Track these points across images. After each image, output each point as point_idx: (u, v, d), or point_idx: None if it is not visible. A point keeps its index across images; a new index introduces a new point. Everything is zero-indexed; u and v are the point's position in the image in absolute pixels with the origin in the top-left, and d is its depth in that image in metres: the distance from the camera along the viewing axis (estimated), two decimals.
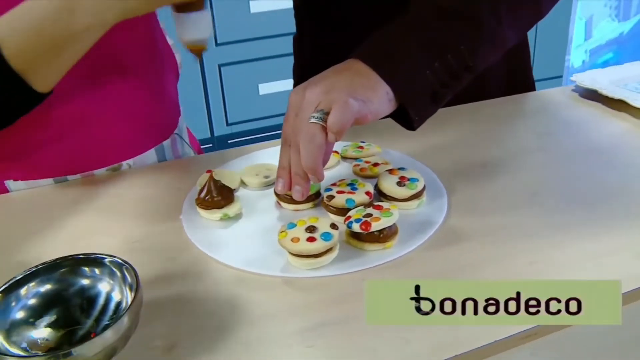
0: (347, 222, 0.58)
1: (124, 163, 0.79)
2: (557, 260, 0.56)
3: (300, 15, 1.00)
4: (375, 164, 0.72)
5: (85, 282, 0.49)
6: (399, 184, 0.64)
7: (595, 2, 2.64)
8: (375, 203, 0.61)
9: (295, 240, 0.55)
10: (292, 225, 0.57)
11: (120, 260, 0.49)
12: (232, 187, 0.68)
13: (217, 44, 2.07)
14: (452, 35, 0.60)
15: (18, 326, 0.46)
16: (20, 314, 0.46)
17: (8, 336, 0.44)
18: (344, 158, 0.77)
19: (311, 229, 0.56)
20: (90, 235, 0.64)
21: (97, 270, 0.50)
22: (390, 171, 0.67)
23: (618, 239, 0.59)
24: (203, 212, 0.65)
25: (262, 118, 2.21)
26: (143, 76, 0.77)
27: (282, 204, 0.66)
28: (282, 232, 0.57)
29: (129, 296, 0.47)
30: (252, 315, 0.51)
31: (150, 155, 0.82)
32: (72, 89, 0.71)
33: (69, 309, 0.48)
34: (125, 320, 0.43)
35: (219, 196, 0.64)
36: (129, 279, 0.48)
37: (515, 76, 0.98)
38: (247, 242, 0.61)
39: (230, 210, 0.64)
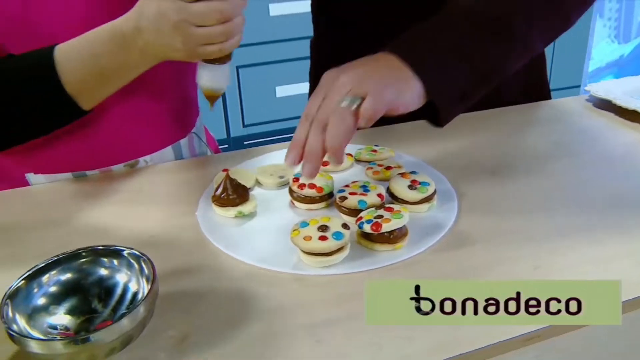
0: (358, 222, 0.60)
1: (141, 159, 0.81)
2: (561, 265, 0.57)
3: (317, 18, 1.02)
4: (388, 167, 0.74)
5: (104, 272, 0.51)
6: (411, 187, 0.66)
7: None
8: (387, 205, 0.62)
9: (308, 238, 0.57)
10: (304, 224, 0.59)
11: (138, 253, 0.51)
12: (248, 186, 0.69)
13: None
14: (484, 38, 0.62)
15: (39, 312, 0.48)
16: (41, 300, 0.48)
17: (30, 320, 0.46)
18: (358, 161, 0.79)
19: (323, 228, 0.58)
20: (108, 228, 0.66)
21: (115, 262, 0.52)
22: (402, 175, 0.68)
23: (627, 246, 0.59)
24: (218, 210, 0.66)
25: (279, 120, 2.22)
26: (164, 76, 0.79)
27: (296, 203, 0.68)
28: (295, 230, 0.58)
29: (146, 287, 0.49)
30: (263, 310, 0.52)
31: (168, 152, 0.84)
32: None
33: (88, 297, 0.50)
34: (141, 310, 0.45)
35: (235, 194, 0.65)
36: (145, 270, 0.49)
37: (531, 85, 0.99)
38: (260, 239, 0.62)
39: (245, 208, 0.66)
